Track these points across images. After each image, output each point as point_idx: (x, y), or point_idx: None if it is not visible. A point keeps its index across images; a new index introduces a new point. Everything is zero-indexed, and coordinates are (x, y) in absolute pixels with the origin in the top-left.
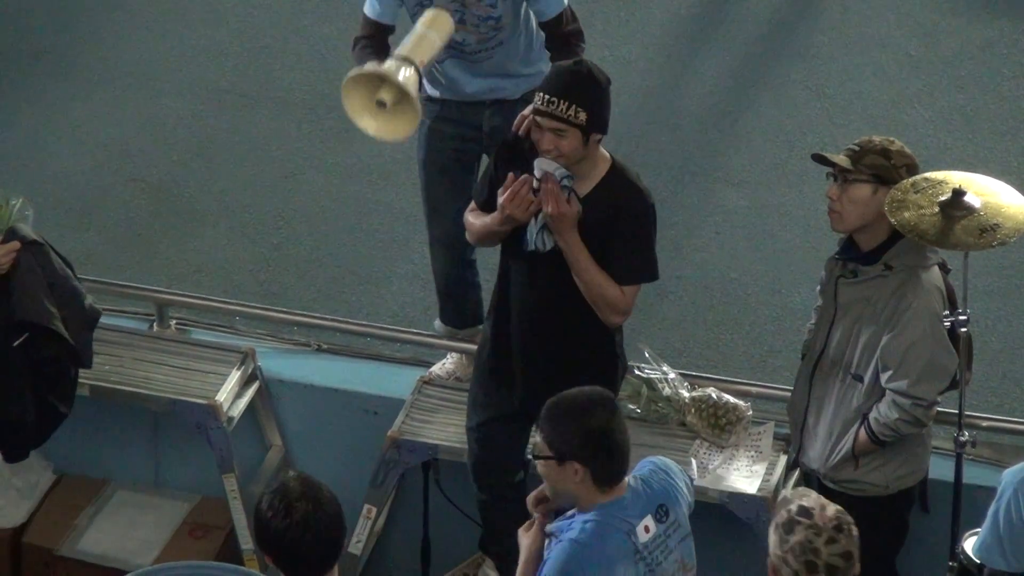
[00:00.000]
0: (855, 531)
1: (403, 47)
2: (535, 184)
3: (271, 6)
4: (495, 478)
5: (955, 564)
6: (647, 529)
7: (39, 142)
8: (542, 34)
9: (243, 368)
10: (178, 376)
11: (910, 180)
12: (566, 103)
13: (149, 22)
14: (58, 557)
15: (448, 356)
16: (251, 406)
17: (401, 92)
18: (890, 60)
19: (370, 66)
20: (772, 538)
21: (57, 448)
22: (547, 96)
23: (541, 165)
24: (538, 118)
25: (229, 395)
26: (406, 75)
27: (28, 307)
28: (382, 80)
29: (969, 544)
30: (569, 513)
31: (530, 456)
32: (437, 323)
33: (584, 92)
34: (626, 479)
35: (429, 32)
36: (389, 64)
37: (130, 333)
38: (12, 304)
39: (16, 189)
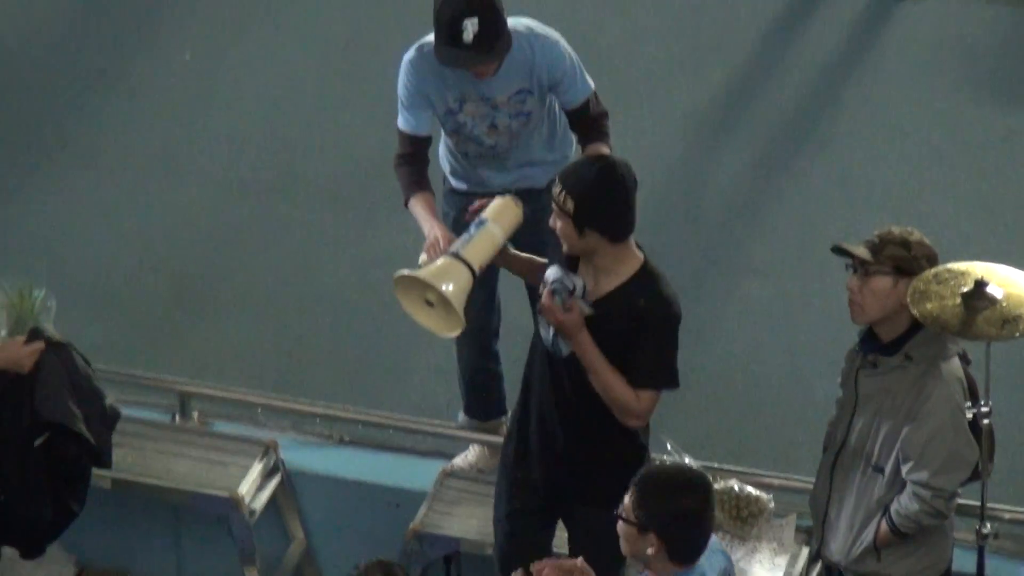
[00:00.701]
0: None
1: (461, 243)
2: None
3: (292, 96)
4: (516, 567)
5: None
6: None
7: (63, 229)
8: (564, 117)
9: (265, 460)
10: (200, 468)
11: (932, 271)
12: (560, 187)
13: (172, 111)
14: None
15: (470, 448)
16: (273, 498)
17: (446, 297)
18: (911, 149)
19: (421, 272)
20: None
21: (79, 540)
22: (557, 179)
23: (548, 272)
24: None
25: (251, 487)
26: (449, 288)
27: (52, 407)
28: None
29: None
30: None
31: (617, 514)
32: (461, 416)
33: (580, 183)
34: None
35: (493, 227)
36: (440, 264)
37: (152, 425)
38: (36, 404)
39: (39, 276)
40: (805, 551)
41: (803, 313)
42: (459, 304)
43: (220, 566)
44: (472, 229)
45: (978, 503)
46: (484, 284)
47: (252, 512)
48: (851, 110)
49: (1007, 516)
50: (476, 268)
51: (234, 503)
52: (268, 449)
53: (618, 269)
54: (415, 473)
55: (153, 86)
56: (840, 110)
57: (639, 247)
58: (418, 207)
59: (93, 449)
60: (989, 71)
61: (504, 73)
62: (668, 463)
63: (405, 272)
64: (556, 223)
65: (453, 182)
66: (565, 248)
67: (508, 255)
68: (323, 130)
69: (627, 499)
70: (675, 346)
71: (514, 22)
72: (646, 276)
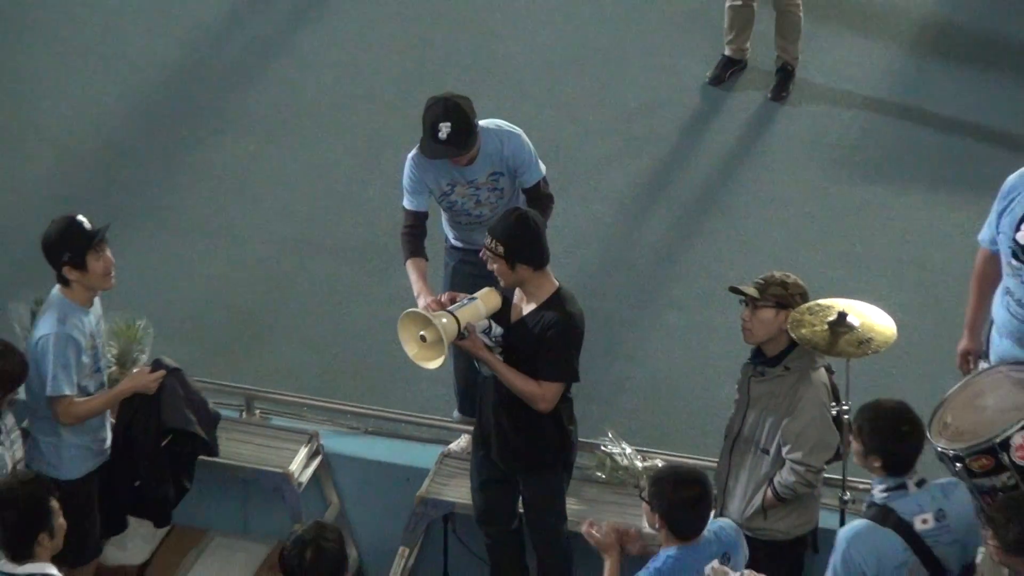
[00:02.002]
0: None
1: (458, 307)
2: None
3: (329, 177)
4: (495, 527)
5: None
6: (713, 570)
7: (155, 277)
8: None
9: (310, 446)
10: (261, 451)
11: (806, 305)
12: (490, 238)
13: (238, 188)
14: None
15: (462, 437)
16: (315, 474)
17: (438, 337)
18: (790, 216)
19: (431, 314)
20: None
21: None
22: (488, 232)
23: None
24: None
25: (299, 466)
26: (444, 332)
27: (174, 416)
28: (429, 323)
29: None
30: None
31: (641, 496)
32: (456, 413)
33: (505, 231)
34: (704, 531)
35: (480, 306)
36: (442, 315)
37: (226, 420)
38: (162, 416)
39: (140, 311)
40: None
41: (710, 337)
42: (447, 345)
43: (276, 524)
44: (466, 301)
45: (840, 477)
46: None
47: (300, 484)
48: (745, 186)
49: (860, 487)
50: (463, 326)
51: (286, 477)
52: (311, 438)
53: (539, 294)
54: (421, 455)
55: (224, 168)
56: (738, 186)
57: (555, 279)
58: (411, 268)
59: (206, 443)
60: (847, 157)
61: (481, 161)
62: (677, 464)
63: (416, 309)
64: (492, 266)
65: (452, 241)
66: (502, 283)
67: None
68: (352, 204)
69: (646, 484)
70: (575, 349)
71: (487, 122)
72: (557, 298)
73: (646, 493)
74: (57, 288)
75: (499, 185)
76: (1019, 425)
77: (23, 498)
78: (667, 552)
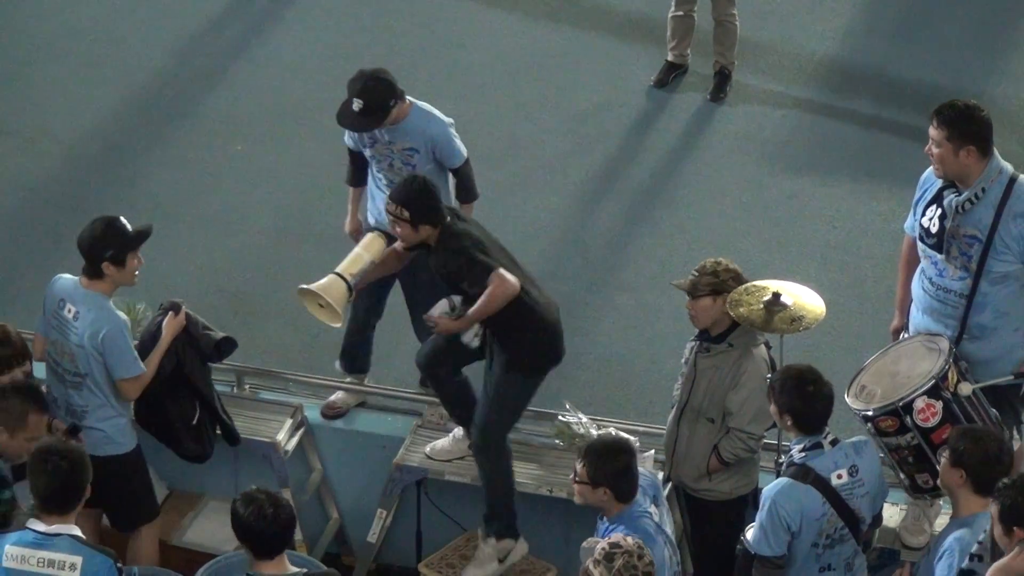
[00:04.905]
0: (647, 550)
1: (341, 264)
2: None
3: (311, 175)
4: (438, 372)
5: (741, 546)
6: (588, 542)
7: (154, 264)
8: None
9: (295, 417)
10: (250, 422)
11: (743, 287)
12: (394, 204)
13: (231, 184)
14: (170, 546)
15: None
16: (300, 443)
17: (327, 300)
18: (729, 204)
19: (314, 285)
20: (597, 571)
21: (169, 471)
22: (388, 199)
23: (433, 309)
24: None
25: (285, 435)
26: (331, 290)
27: (207, 340)
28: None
29: (749, 533)
30: (605, 521)
31: (572, 479)
32: (336, 364)
33: (407, 196)
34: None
35: (363, 252)
36: (326, 280)
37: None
38: (200, 345)
39: (140, 295)
40: (660, 475)
41: (657, 316)
42: (338, 306)
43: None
44: (347, 258)
45: (775, 442)
46: (373, 295)
47: (286, 452)
48: (688, 179)
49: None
50: (349, 278)
51: (273, 446)
52: (296, 410)
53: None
54: (396, 425)
55: (217, 165)
56: (681, 179)
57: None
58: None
59: (230, 429)
60: (779, 152)
61: (403, 128)
62: (601, 435)
63: (304, 286)
64: (396, 229)
65: (369, 220)
66: (403, 245)
67: (373, 272)
68: (332, 196)
69: (579, 467)
70: (470, 258)
71: (424, 105)
72: (444, 236)
73: (582, 473)
74: (75, 283)
75: (413, 161)
76: (921, 390)
77: (77, 452)
78: (623, 517)
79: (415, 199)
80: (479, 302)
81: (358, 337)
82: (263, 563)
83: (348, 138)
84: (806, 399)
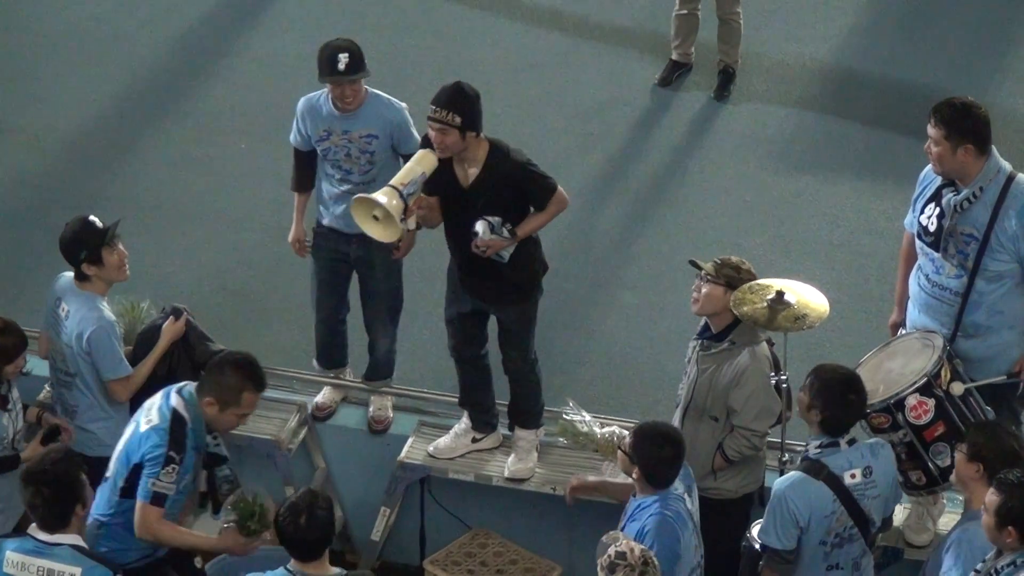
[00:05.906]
0: (654, 561)
1: (395, 178)
2: (477, 242)
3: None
4: (468, 356)
5: (746, 543)
6: (608, 536)
7: (157, 262)
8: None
9: (299, 415)
10: (255, 421)
11: (748, 284)
12: (445, 111)
13: (234, 183)
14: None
15: (325, 389)
16: (304, 441)
17: (385, 213)
18: (733, 203)
19: (374, 195)
20: None
21: None
22: (433, 106)
23: (476, 227)
24: (429, 122)
25: (289, 433)
26: (392, 203)
27: (204, 351)
28: (375, 204)
29: (755, 530)
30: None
31: (620, 447)
32: (314, 363)
33: (461, 101)
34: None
35: (415, 166)
36: (383, 193)
37: None
38: (195, 354)
39: (142, 294)
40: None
41: (660, 314)
42: (396, 214)
43: (269, 486)
44: (401, 171)
45: (780, 440)
46: (335, 291)
47: (290, 450)
48: (691, 178)
49: (798, 448)
50: (402, 189)
51: (277, 444)
52: (300, 408)
53: (479, 155)
54: (400, 423)
55: (221, 164)
56: (684, 177)
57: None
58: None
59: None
60: (782, 151)
61: (362, 114)
62: (658, 422)
63: (362, 195)
64: (440, 140)
65: (319, 221)
66: (444, 153)
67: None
68: None
69: (628, 438)
70: (538, 171)
71: (378, 91)
72: (496, 151)
73: (627, 444)
74: (72, 282)
75: (371, 147)
76: (914, 387)
77: (59, 475)
78: (654, 498)
79: (467, 104)
80: (543, 213)
81: (329, 334)
82: (303, 564)
83: (295, 136)
84: (846, 407)
